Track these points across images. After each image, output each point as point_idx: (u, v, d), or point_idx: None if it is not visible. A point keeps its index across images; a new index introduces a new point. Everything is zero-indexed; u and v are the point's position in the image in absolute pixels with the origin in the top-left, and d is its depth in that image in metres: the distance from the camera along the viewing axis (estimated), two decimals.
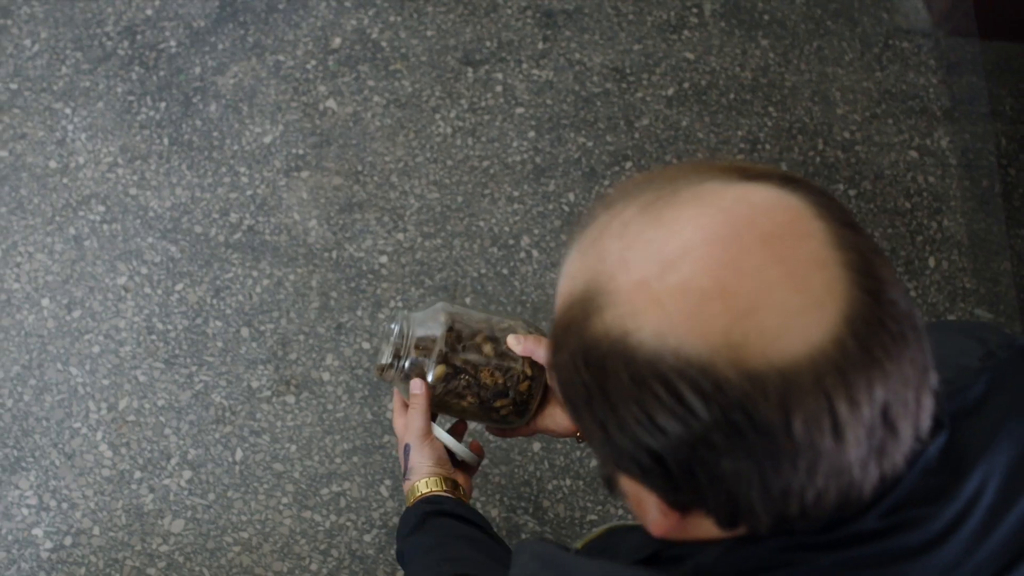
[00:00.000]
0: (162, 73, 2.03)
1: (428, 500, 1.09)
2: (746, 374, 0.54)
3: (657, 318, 0.56)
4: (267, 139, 1.98)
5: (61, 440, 1.75)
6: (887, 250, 1.99)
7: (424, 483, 1.10)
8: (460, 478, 1.15)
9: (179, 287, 1.87)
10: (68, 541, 1.69)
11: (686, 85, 2.09)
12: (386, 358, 1.12)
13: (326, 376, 1.82)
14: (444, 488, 1.11)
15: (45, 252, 1.88)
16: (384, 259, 1.91)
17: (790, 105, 2.08)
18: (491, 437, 1.78)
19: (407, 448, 1.12)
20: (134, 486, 1.73)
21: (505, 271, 1.91)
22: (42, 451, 1.74)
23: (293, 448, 1.77)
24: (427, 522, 1.07)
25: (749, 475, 0.56)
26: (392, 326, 1.12)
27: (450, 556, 1.03)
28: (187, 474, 1.74)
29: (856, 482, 0.58)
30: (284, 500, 1.74)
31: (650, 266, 0.58)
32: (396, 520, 1.72)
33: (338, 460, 1.77)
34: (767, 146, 2.04)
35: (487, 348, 1.12)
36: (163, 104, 2.00)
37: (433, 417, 1.16)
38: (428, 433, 1.13)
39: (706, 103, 2.07)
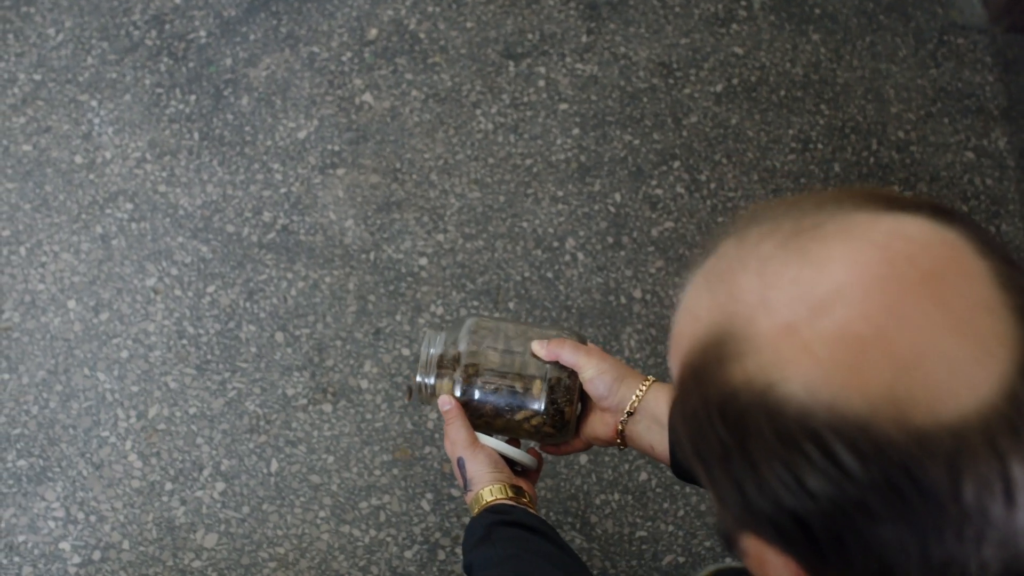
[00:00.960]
0: (191, 64, 1.91)
1: (493, 509, 1.04)
2: (911, 432, 0.48)
3: (807, 368, 0.50)
4: (301, 134, 1.87)
5: (89, 449, 1.65)
6: None
7: (488, 491, 1.06)
8: (523, 484, 1.11)
9: (211, 289, 1.76)
10: (97, 556, 1.59)
11: (735, 81, 1.97)
12: (417, 377, 1.11)
13: (364, 384, 1.71)
14: (508, 495, 1.06)
15: (71, 251, 1.77)
16: (424, 261, 1.80)
17: (842, 103, 1.97)
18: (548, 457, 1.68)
19: (460, 461, 1.09)
20: (165, 498, 1.63)
21: (549, 275, 1.80)
22: (69, 461, 1.64)
23: (330, 459, 1.66)
24: (493, 533, 1.02)
25: (908, 545, 0.50)
26: (421, 346, 1.12)
27: (519, 572, 0.99)
28: (220, 486, 1.64)
29: (1022, 554, 0.51)
30: (321, 514, 1.63)
31: (798, 309, 0.51)
32: (438, 535, 1.62)
33: (377, 472, 1.66)
34: (819, 145, 1.93)
35: (511, 358, 1.09)
36: (193, 97, 1.89)
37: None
38: (475, 441, 1.09)
39: (756, 100, 1.96)
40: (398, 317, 1.76)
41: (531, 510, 1.06)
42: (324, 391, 1.71)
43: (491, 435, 1.12)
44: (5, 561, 1.58)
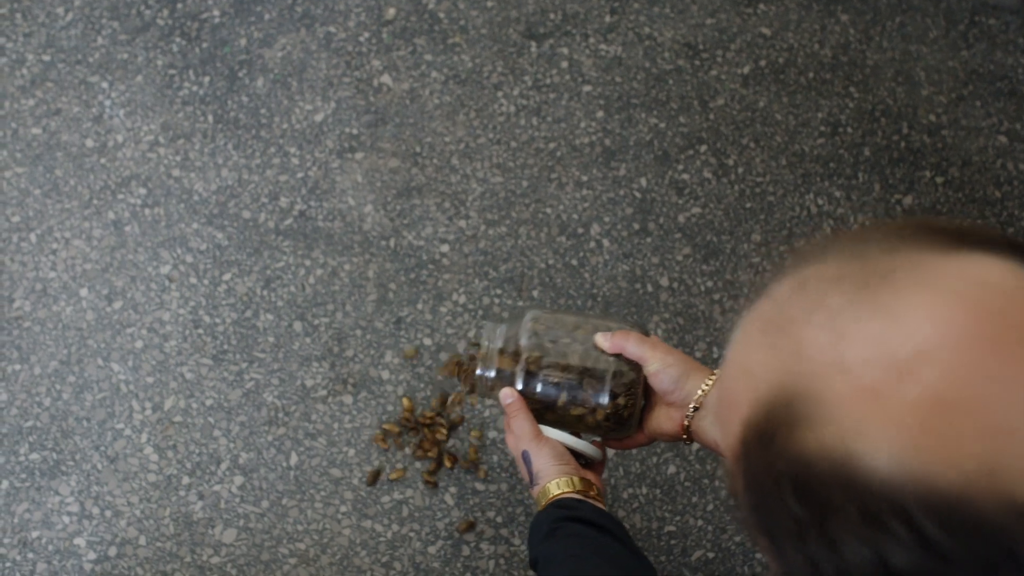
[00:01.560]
0: (205, 45, 1.83)
1: (560, 504, 1.01)
2: (1011, 507, 0.44)
3: (893, 438, 0.45)
4: (318, 117, 1.79)
5: (103, 442, 1.58)
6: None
7: (555, 484, 1.03)
8: (591, 476, 1.07)
9: (227, 277, 1.69)
10: (112, 552, 1.53)
11: (763, 63, 1.90)
12: (478, 370, 1.08)
13: (385, 375, 1.65)
14: (576, 488, 1.03)
15: (83, 238, 1.70)
16: (445, 248, 1.73)
17: (872, 85, 1.90)
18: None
19: (525, 455, 1.06)
20: (182, 492, 1.56)
21: (574, 262, 1.73)
22: (83, 454, 1.57)
23: (351, 452, 1.60)
24: (559, 529, 0.99)
25: None
26: (481, 339, 1.09)
27: (577, 573, 0.96)
28: (238, 480, 1.57)
29: None
30: (343, 508, 1.57)
31: (879, 371, 0.45)
32: (461, 529, 1.56)
33: (399, 465, 1.60)
34: (849, 129, 1.86)
35: (571, 351, 1.06)
36: (207, 79, 1.81)
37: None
38: (539, 434, 1.06)
39: (784, 82, 1.88)
40: (419, 306, 1.69)
41: (599, 505, 1.03)
42: (344, 382, 1.64)
43: (553, 428, 1.09)
44: (19, 557, 1.52)
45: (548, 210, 1.77)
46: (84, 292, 1.67)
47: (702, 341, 1.70)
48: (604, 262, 1.74)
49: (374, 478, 1.58)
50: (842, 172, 1.83)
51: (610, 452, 1.61)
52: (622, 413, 1.06)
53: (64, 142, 1.76)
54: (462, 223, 1.75)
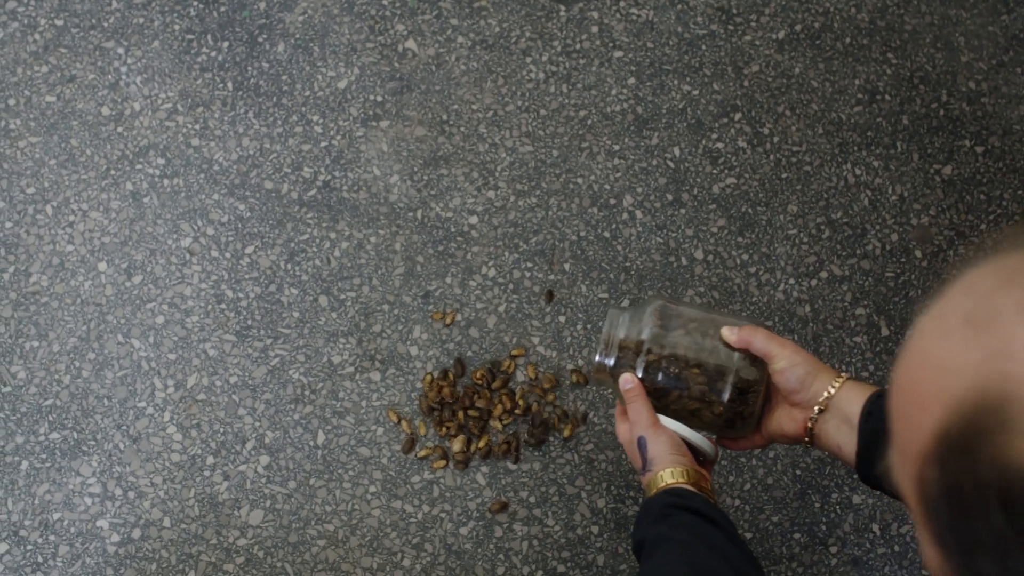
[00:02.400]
0: (223, 9, 1.74)
1: (673, 492, 0.99)
2: None
3: None
4: (341, 84, 1.70)
5: (125, 421, 1.51)
6: (1016, 214, 1.73)
7: (669, 472, 1.01)
8: (704, 472, 1.06)
9: (249, 250, 1.61)
10: (136, 534, 1.46)
11: (798, 28, 1.81)
12: (597, 356, 1.08)
13: (414, 350, 1.57)
14: (689, 479, 1.01)
15: (100, 210, 1.61)
16: (474, 220, 1.65)
17: (911, 51, 1.80)
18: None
19: (641, 441, 1.04)
20: (207, 473, 1.49)
21: (607, 234, 1.65)
22: (104, 433, 1.50)
23: (380, 431, 1.53)
24: (671, 516, 0.97)
25: None
26: (604, 325, 1.08)
27: (692, 562, 0.93)
28: (264, 459, 1.50)
29: None
30: (372, 489, 1.50)
31: None
32: (493, 509, 1.49)
33: (429, 444, 1.52)
34: (887, 97, 1.77)
35: (697, 343, 1.04)
36: (225, 44, 1.72)
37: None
38: (657, 422, 1.05)
39: (820, 48, 1.79)
40: (448, 279, 1.61)
41: (712, 500, 1.01)
42: (372, 358, 1.56)
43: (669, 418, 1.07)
44: (40, 540, 1.45)
45: (579, 180, 1.68)
46: (103, 266, 1.59)
47: (737, 316, 1.62)
48: (637, 234, 1.66)
49: (410, 445, 1.51)
50: (880, 141, 1.75)
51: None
52: (743, 411, 1.04)
53: (79, 110, 1.67)
54: (491, 194, 1.67)
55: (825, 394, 1.00)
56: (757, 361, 1.04)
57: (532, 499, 1.51)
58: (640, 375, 1.06)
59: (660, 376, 1.06)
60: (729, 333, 1.04)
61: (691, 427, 1.07)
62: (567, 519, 1.51)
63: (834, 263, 1.67)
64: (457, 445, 1.51)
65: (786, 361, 1.01)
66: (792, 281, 1.65)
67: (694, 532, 0.96)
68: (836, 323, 1.64)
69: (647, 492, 1.04)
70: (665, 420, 1.06)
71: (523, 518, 1.51)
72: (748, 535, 1.52)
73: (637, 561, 1.03)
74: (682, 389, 1.05)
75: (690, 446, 1.07)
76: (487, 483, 1.52)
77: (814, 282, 1.66)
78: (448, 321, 1.57)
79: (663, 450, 1.04)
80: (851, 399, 0.99)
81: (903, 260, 1.68)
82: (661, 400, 1.07)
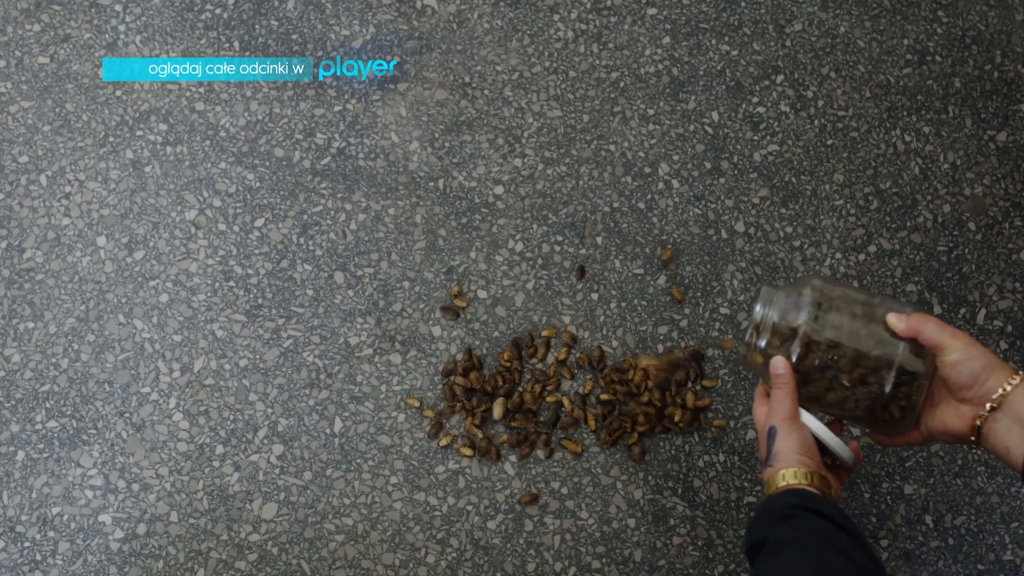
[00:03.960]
0: None
1: (796, 492, 0.91)
2: None
3: None
4: (356, 43, 1.53)
5: (128, 408, 1.35)
6: None
7: (792, 473, 0.93)
8: (831, 477, 0.97)
9: (259, 223, 1.44)
10: (142, 529, 1.31)
11: None
12: (748, 337, 0.99)
13: (436, 331, 1.41)
14: (812, 483, 0.92)
15: (98, 180, 1.45)
16: (499, 190, 1.48)
17: (962, 9, 1.63)
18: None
19: (772, 432, 0.96)
20: (216, 463, 1.34)
21: (641, 205, 1.49)
22: (106, 421, 1.35)
23: (401, 418, 1.37)
24: (797, 517, 0.88)
25: None
26: (756, 304, 0.99)
27: (823, 564, 0.84)
28: (278, 449, 1.35)
29: None
30: (393, 480, 1.35)
31: None
32: (523, 501, 1.34)
33: (455, 431, 1.37)
34: (937, 58, 1.60)
35: (857, 329, 0.94)
36: (231, 0, 1.54)
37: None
38: (796, 416, 0.96)
39: (866, 5, 1.61)
40: (472, 254, 1.45)
41: (837, 506, 0.93)
42: (391, 339, 1.41)
43: (816, 414, 0.98)
44: (39, 536, 1.30)
45: (612, 147, 1.52)
46: (102, 241, 1.42)
47: None
48: (674, 205, 1.49)
49: (437, 429, 1.36)
50: (931, 105, 1.58)
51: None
52: (903, 406, 0.95)
53: (74, 72, 1.49)
54: (517, 162, 1.50)
55: (1000, 391, 0.90)
56: (923, 352, 0.94)
57: (564, 490, 1.37)
58: (794, 360, 0.96)
59: (816, 363, 0.96)
60: (896, 320, 0.94)
61: (841, 419, 0.99)
62: (602, 512, 1.36)
63: (883, 236, 1.51)
64: (498, 410, 1.36)
65: (960, 353, 0.91)
66: (839, 255, 1.49)
67: (822, 535, 0.86)
68: None
69: (766, 488, 0.95)
70: (806, 416, 0.96)
71: (555, 510, 1.36)
72: None
73: (748, 562, 0.93)
74: (838, 378, 0.95)
75: (826, 449, 0.97)
76: (516, 473, 1.37)
77: (862, 256, 1.50)
78: (461, 304, 1.41)
79: (790, 448, 0.95)
80: None
81: (956, 233, 1.52)
82: (811, 388, 0.97)
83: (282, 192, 1.46)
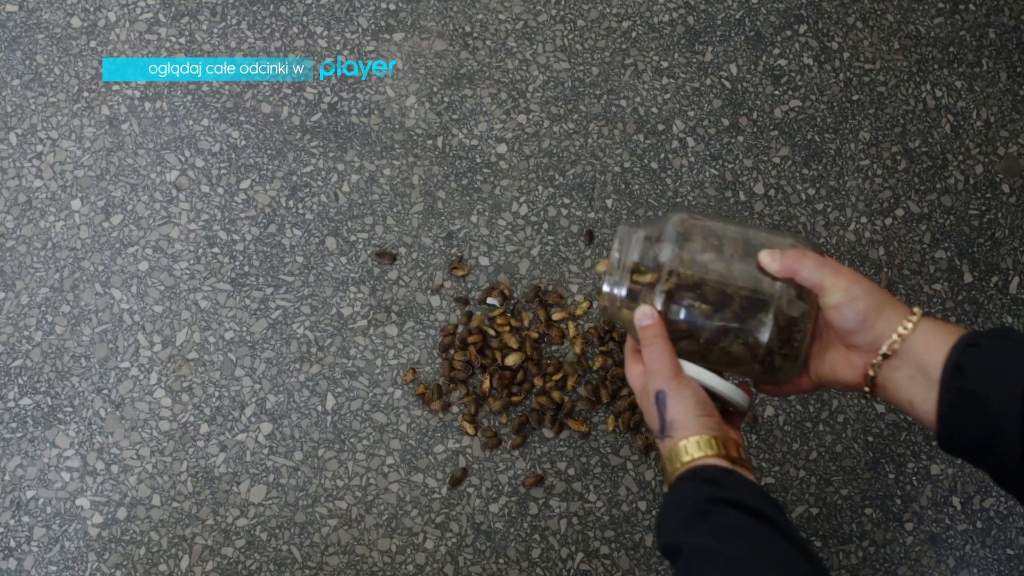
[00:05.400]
0: None
1: (706, 477, 0.75)
2: None
3: None
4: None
5: (106, 384, 1.22)
6: None
7: (695, 443, 0.76)
8: (733, 433, 0.80)
9: (245, 185, 1.30)
10: (122, 514, 1.19)
11: None
12: (605, 285, 0.81)
13: (435, 301, 1.28)
14: (720, 452, 0.76)
15: (72, 138, 1.30)
16: (503, 148, 1.33)
17: None
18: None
19: (660, 396, 0.79)
20: (201, 443, 1.21)
21: (654, 165, 1.34)
22: (83, 398, 1.22)
23: (398, 394, 1.24)
24: (712, 514, 0.72)
25: None
26: (613, 245, 0.82)
27: None
28: (266, 427, 1.22)
29: None
30: (389, 460, 1.22)
31: None
32: (528, 483, 1.21)
33: (455, 409, 1.24)
34: (971, 6, 1.44)
35: (730, 268, 0.78)
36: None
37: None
38: (680, 372, 0.79)
39: None
40: (474, 218, 1.31)
41: (749, 477, 0.76)
42: (387, 310, 1.27)
43: (694, 364, 0.81)
44: (12, 521, 1.18)
45: (623, 102, 1.37)
46: (76, 204, 1.28)
47: None
48: (689, 165, 1.35)
49: (438, 402, 1.23)
50: (963, 58, 1.42)
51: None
52: (787, 353, 0.79)
53: (45, 21, 1.34)
54: (521, 118, 1.35)
55: (893, 336, 0.74)
56: (805, 291, 0.77)
57: (571, 471, 1.24)
58: (659, 307, 0.79)
59: (684, 312, 0.79)
60: (769, 259, 0.77)
61: (720, 371, 0.82)
62: (611, 494, 1.24)
63: (911, 199, 1.37)
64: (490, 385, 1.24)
65: (841, 294, 0.74)
66: (864, 219, 1.35)
67: (743, 538, 0.70)
68: (913, 268, 1.34)
69: (667, 466, 0.79)
70: (689, 367, 0.80)
71: (561, 493, 1.23)
72: (814, 510, 1.25)
73: (671, 565, 0.76)
74: (710, 326, 0.79)
75: (715, 395, 0.81)
76: (520, 453, 1.24)
77: (889, 220, 1.35)
78: (460, 272, 1.27)
79: (686, 410, 0.78)
80: (929, 345, 0.73)
81: (988, 196, 1.37)
82: (683, 338, 0.80)
83: (269, 151, 1.32)
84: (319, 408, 1.24)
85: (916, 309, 0.75)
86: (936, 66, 1.42)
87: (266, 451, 1.22)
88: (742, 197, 1.35)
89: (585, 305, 1.28)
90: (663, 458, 0.80)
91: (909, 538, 1.26)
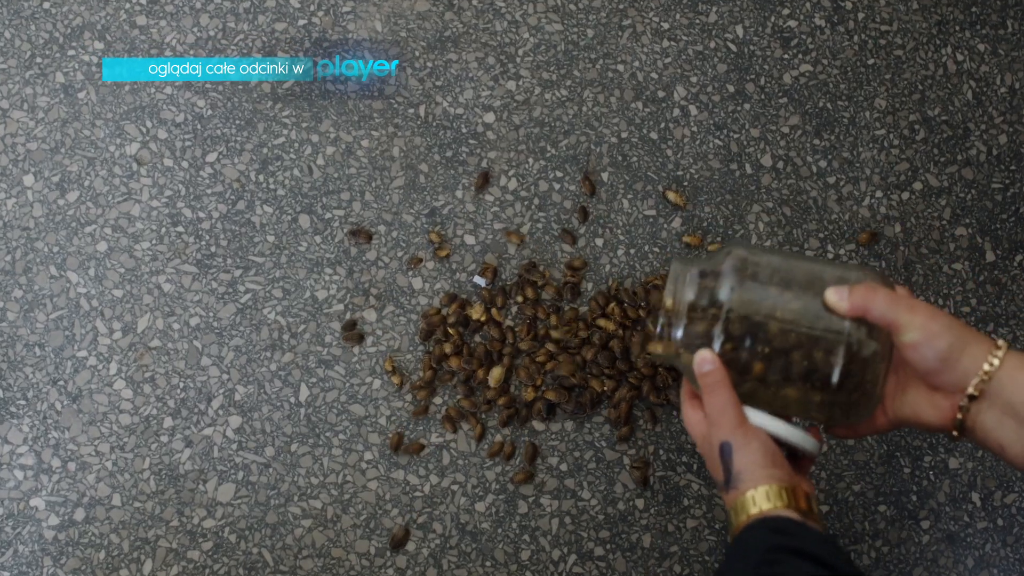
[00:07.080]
0: None
1: (772, 525, 0.67)
2: None
3: None
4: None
5: (62, 375, 1.09)
6: None
7: (763, 494, 0.69)
8: (805, 485, 0.71)
9: (211, 158, 1.16)
10: (80, 515, 1.06)
11: None
12: (659, 327, 0.73)
13: (417, 284, 1.14)
14: (789, 503, 0.68)
15: (24, 109, 1.16)
16: (490, 117, 1.19)
17: None
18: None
19: (724, 448, 0.71)
20: (164, 438, 1.08)
21: (654, 135, 1.20)
22: (37, 390, 1.09)
23: (376, 384, 1.11)
24: (780, 564, 0.65)
25: None
26: (667, 284, 0.73)
27: None
28: (235, 421, 1.09)
29: None
30: (367, 456, 1.10)
31: None
32: (517, 480, 1.09)
33: (438, 400, 1.11)
34: None
35: (794, 307, 0.69)
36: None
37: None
38: (745, 421, 0.71)
39: None
40: (459, 193, 1.17)
41: (818, 529, 0.68)
42: (365, 293, 1.14)
43: (758, 408, 0.72)
44: None
45: (620, 67, 1.22)
46: (29, 180, 1.14)
47: (814, 237, 1.19)
48: (691, 135, 1.20)
49: (425, 392, 1.10)
50: (987, 19, 1.27)
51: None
52: (859, 396, 0.70)
53: None
54: (511, 85, 1.20)
55: (979, 376, 0.65)
56: (876, 329, 0.69)
57: (564, 467, 1.11)
58: (718, 351, 0.70)
59: (745, 353, 0.70)
60: (837, 298, 0.69)
61: (788, 416, 0.73)
62: (606, 491, 1.11)
63: (930, 171, 1.22)
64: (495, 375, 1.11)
65: (918, 332, 0.66)
66: (880, 194, 1.21)
67: None
68: (932, 246, 1.20)
69: (732, 518, 0.70)
70: (754, 415, 0.71)
71: (552, 490, 1.10)
72: (824, 508, 1.12)
73: None
74: (774, 369, 0.70)
75: (782, 441, 0.72)
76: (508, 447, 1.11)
77: (905, 195, 1.21)
78: (443, 253, 1.13)
79: (753, 462, 0.69)
80: (1017, 381, 0.64)
81: (1013, 168, 1.23)
82: (745, 382, 0.71)
83: (238, 121, 1.17)
84: (292, 400, 1.11)
85: (1001, 342, 0.66)
86: (958, 27, 1.27)
87: (235, 446, 1.09)
88: (748, 170, 1.20)
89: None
90: (729, 511, 0.72)
91: (925, 537, 1.13)
